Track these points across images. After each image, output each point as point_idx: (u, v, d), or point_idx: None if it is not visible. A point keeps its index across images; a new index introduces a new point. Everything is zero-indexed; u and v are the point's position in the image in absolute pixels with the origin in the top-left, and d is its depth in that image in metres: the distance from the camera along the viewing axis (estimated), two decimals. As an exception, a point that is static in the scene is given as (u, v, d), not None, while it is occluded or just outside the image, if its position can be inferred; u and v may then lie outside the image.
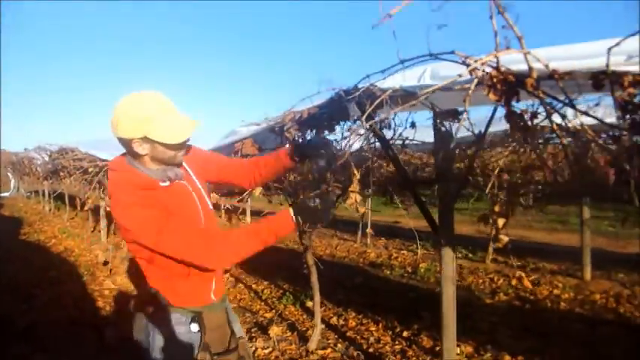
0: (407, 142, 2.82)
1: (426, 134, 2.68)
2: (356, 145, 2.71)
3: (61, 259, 8.20)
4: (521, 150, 3.27)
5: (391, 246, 8.47)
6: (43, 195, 16.82)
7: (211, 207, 1.89)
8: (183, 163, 1.81)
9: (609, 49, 1.41)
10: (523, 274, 5.20)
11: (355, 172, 2.61)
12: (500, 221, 2.22)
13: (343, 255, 8.17)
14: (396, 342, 4.09)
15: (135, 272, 6.85)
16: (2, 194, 22.25)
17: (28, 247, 9.26)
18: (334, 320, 4.74)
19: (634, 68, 1.49)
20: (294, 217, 1.72)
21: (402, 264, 7.17)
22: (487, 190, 2.34)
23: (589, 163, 1.81)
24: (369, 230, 5.12)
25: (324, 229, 10.59)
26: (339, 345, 4.06)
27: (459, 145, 2.72)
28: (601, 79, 1.55)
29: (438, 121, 2.47)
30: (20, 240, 10.18)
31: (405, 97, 2.10)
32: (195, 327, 1.74)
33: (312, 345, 3.90)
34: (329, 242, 9.30)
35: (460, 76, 1.81)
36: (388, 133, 2.63)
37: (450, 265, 2.77)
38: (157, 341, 1.72)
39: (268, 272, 6.44)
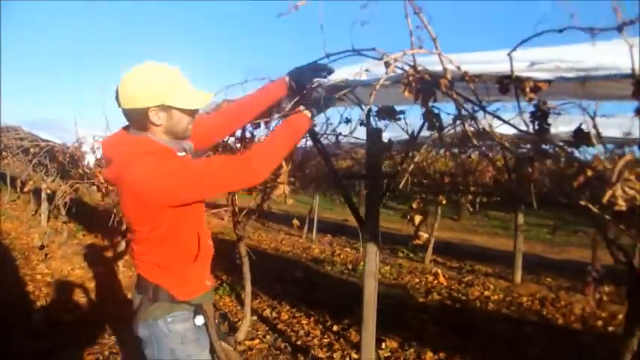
0: (341, 137, 2.86)
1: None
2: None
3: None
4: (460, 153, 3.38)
5: (336, 243, 8.55)
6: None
7: None
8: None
9: (509, 54, 1.48)
10: (439, 271, 5.34)
11: (284, 164, 2.63)
12: (417, 218, 2.28)
13: (287, 249, 8.18)
14: (325, 335, 4.14)
15: (91, 259, 6.72)
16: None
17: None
18: (267, 312, 4.75)
19: (537, 74, 1.56)
20: (307, 112, 1.80)
21: (343, 261, 7.25)
22: (400, 186, 2.39)
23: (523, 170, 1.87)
24: (294, 222, 5.11)
25: (272, 223, 10.61)
26: (267, 337, 4.09)
27: (392, 143, 2.77)
28: (506, 84, 1.63)
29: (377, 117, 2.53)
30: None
31: (331, 90, 2.14)
32: (200, 320, 1.72)
33: (241, 335, 3.90)
34: (275, 237, 9.30)
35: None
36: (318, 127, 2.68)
37: (373, 260, 2.84)
38: (165, 347, 1.68)
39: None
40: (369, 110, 2.74)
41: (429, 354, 3.81)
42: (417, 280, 6.26)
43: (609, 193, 1.28)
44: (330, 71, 1.97)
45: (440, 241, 9.12)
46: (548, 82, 1.53)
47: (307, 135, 2.60)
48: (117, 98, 1.58)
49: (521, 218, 6.22)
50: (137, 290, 1.76)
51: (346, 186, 2.77)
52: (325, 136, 2.70)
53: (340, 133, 2.79)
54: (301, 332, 4.22)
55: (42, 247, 7.09)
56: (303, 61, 2.05)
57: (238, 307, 4.88)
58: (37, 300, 4.98)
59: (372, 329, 2.90)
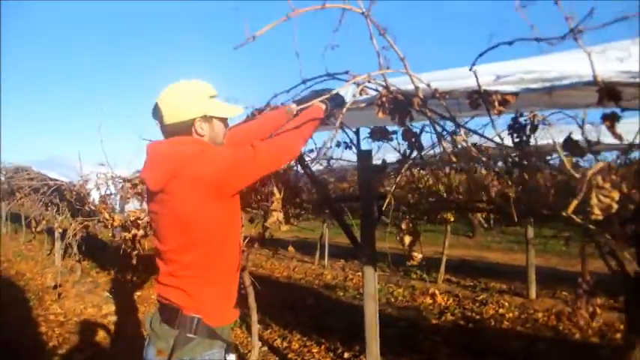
0: (332, 160, 2.88)
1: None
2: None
3: (9, 283, 7.97)
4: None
5: (348, 268, 8.49)
6: (0, 217, 16.35)
7: None
8: None
9: (471, 69, 1.50)
10: (437, 291, 5.20)
11: (275, 191, 2.65)
12: (407, 239, 2.27)
13: (300, 277, 8.15)
14: (334, 363, 4.10)
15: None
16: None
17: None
18: (278, 342, 4.72)
19: (504, 87, 1.57)
20: (322, 105, 1.88)
21: (356, 285, 7.19)
22: (383, 207, 2.39)
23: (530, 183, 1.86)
24: (290, 248, 5.10)
25: (285, 251, 10.58)
26: (277, 366, 4.05)
27: (385, 164, 2.78)
28: (475, 99, 1.64)
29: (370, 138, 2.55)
30: (-30, 264, 9.86)
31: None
32: (232, 358, 1.72)
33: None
34: (287, 264, 9.28)
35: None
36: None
37: (371, 282, 2.81)
38: None
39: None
40: (358, 132, 2.78)
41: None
42: (431, 301, 6.18)
43: (574, 203, 1.27)
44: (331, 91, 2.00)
45: (454, 259, 9.04)
46: (515, 94, 1.54)
47: (297, 162, 2.63)
48: (156, 115, 1.70)
49: (531, 232, 6.14)
50: (166, 322, 1.63)
51: (340, 209, 2.76)
52: (315, 160, 2.72)
53: (331, 157, 2.79)
54: (311, 360, 4.18)
55: (55, 287, 7.19)
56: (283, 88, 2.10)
57: (249, 339, 4.85)
58: (49, 340, 5.01)
59: (375, 352, 2.85)
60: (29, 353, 4.57)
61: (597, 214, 1.46)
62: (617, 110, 1.42)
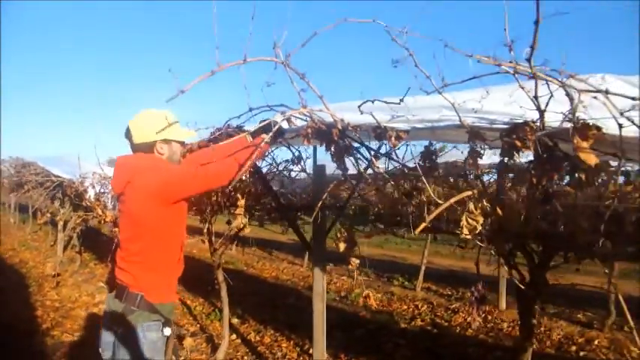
0: (293, 173, 3.23)
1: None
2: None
3: (12, 270, 8.41)
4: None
5: (335, 272, 8.81)
6: (9, 207, 16.90)
7: None
8: None
9: (358, 108, 1.84)
10: (370, 293, 5.48)
11: (239, 197, 3.01)
12: (341, 245, 2.60)
13: (287, 278, 8.49)
14: (300, 358, 4.42)
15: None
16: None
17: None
18: (252, 336, 5.06)
19: (398, 126, 1.91)
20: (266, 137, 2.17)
21: (338, 289, 7.52)
22: (316, 215, 2.72)
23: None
24: (274, 252, 5.42)
25: (276, 253, 10.96)
26: (246, 358, 4.40)
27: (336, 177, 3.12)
28: (378, 133, 1.98)
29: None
30: (-23, 251, 10.34)
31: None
32: (167, 331, 2.07)
33: (220, 355, 4.21)
34: (278, 266, 9.62)
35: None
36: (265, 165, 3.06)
37: (319, 282, 3.15)
38: (137, 351, 1.99)
39: (206, 290, 6.70)
40: (315, 149, 3.12)
41: (396, 374, 4.07)
42: (406, 307, 6.49)
43: (422, 225, 1.59)
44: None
45: (442, 268, 9.34)
46: (406, 131, 1.88)
47: (257, 175, 2.98)
48: (128, 136, 2.11)
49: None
50: (117, 298, 2.05)
51: (294, 217, 3.10)
52: (275, 173, 3.07)
53: (292, 170, 3.14)
54: (279, 354, 4.52)
55: (54, 276, 7.61)
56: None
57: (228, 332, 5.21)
58: (43, 323, 5.39)
59: (321, 347, 3.18)
60: (23, 334, 4.94)
61: (466, 233, 1.80)
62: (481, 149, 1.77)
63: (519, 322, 2.44)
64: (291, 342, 4.82)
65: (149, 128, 2.06)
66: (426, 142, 2.16)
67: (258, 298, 6.61)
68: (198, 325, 5.41)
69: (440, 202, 1.61)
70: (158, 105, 2.16)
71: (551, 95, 1.40)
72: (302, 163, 2.91)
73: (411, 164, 2.24)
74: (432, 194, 1.62)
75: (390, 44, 1.62)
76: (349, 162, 2.25)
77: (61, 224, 8.28)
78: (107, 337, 2.07)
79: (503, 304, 6.33)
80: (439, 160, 2.25)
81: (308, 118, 2.14)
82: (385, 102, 1.80)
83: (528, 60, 1.33)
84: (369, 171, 2.25)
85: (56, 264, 7.76)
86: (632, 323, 1.84)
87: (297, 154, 2.96)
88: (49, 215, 8.51)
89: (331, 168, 2.95)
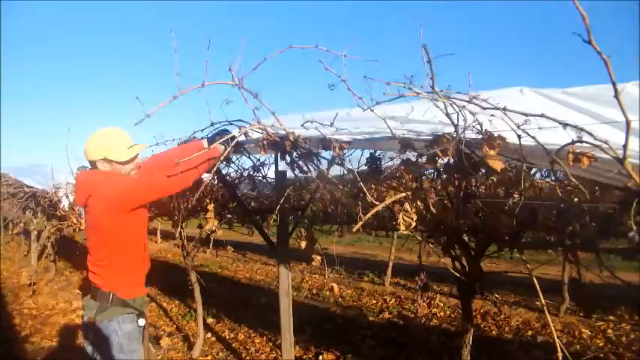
0: (257, 179, 3.46)
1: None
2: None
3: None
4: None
5: (307, 270, 9.05)
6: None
7: None
8: None
9: (301, 126, 2.09)
10: (334, 285, 5.57)
11: (209, 202, 3.23)
12: (303, 243, 2.85)
13: (261, 278, 8.72)
14: (272, 352, 4.66)
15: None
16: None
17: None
18: (226, 334, 5.28)
19: (341, 137, 2.16)
20: (220, 147, 2.37)
21: (310, 286, 7.76)
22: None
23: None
24: (229, 248, 5.65)
25: (250, 254, 11.16)
26: (220, 354, 4.61)
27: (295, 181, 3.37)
28: (324, 144, 2.24)
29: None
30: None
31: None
32: (142, 322, 2.31)
33: (196, 353, 4.42)
34: (252, 267, 9.83)
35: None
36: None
37: (285, 280, 3.40)
38: (116, 343, 2.21)
39: (181, 292, 6.88)
40: (277, 156, 3.36)
41: (361, 364, 4.34)
42: (375, 301, 6.78)
43: (359, 225, 1.85)
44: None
45: (411, 264, 9.65)
46: (349, 142, 2.14)
47: (221, 183, 3.21)
48: (84, 152, 2.27)
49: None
50: (92, 298, 2.26)
51: (257, 220, 3.33)
52: (240, 180, 3.29)
53: (255, 176, 3.37)
54: (252, 349, 4.74)
55: (30, 285, 7.67)
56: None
57: (202, 330, 5.41)
58: (22, 331, 5.51)
59: (289, 339, 3.43)
60: (3, 341, 5.05)
61: (402, 229, 2.06)
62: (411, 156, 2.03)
63: (460, 307, 2.72)
64: (264, 337, 5.05)
65: (92, 147, 2.23)
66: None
67: (233, 299, 6.83)
68: (174, 326, 5.60)
69: (376, 202, 1.86)
70: (130, 114, 2.35)
71: (458, 113, 1.67)
72: (262, 170, 3.14)
73: (360, 169, 2.52)
74: (369, 197, 1.87)
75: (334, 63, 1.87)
76: (308, 167, 2.50)
77: (34, 234, 8.34)
78: (90, 336, 2.28)
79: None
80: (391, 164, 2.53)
81: (263, 132, 2.38)
82: (320, 124, 2.05)
83: (432, 87, 1.59)
84: (323, 175, 2.50)
85: (31, 273, 7.83)
86: (544, 301, 2.09)
87: (258, 162, 3.19)
88: (22, 225, 8.55)
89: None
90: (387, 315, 6.06)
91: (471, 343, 2.76)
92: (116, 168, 2.25)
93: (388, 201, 1.95)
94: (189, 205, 3.42)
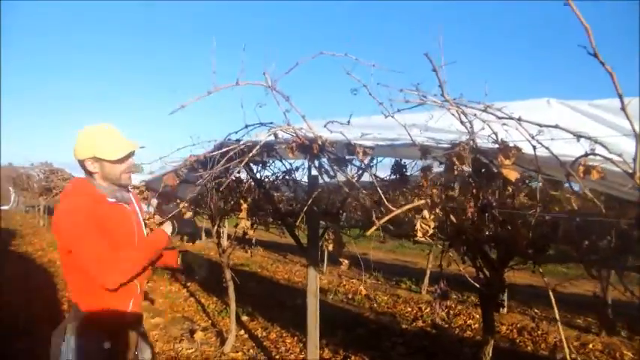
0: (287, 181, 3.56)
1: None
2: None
3: (42, 269, 8.92)
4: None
5: (345, 275, 9.09)
6: (39, 210, 17.62)
7: (145, 234, 2.23)
8: (132, 198, 2.22)
9: (324, 126, 2.16)
10: (362, 289, 5.53)
11: (242, 202, 3.35)
12: (330, 246, 2.92)
13: (299, 280, 8.81)
14: (302, 353, 4.73)
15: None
16: (2, 207, 23.09)
17: (14, 257, 10.01)
18: (259, 332, 5.41)
19: (365, 143, 2.22)
20: (169, 228, 2.26)
21: (347, 290, 7.81)
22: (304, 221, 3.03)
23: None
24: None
25: (290, 256, 11.31)
26: (251, 351, 4.73)
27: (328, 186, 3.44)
28: (350, 149, 2.30)
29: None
30: (10, 250, 10.93)
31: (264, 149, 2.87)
32: (107, 344, 1.99)
33: (227, 348, 4.56)
34: (291, 268, 9.96)
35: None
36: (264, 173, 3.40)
37: (313, 282, 3.47)
38: (69, 355, 1.95)
39: (219, 289, 7.07)
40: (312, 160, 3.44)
41: (389, 369, 4.36)
42: (410, 309, 6.75)
43: (373, 228, 1.90)
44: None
45: (450, 273, 9.54)
46: (372, 148, 2.20)
47: (256, 185, 3.32)
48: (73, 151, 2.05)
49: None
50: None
51: (290, 222, 3.42)
52: (274, 182, 3.40)
53: (289, 179, 3.47)
54: (282, 349, 4.84)
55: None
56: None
57: (235, 327, 5.56)
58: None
59: (315, 339, 3.50)
60: (52, 325, 5.35)
61: (420, 236, 2.10)
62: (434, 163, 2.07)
63: (482, 318, 2.72)
64: (295, 338, 5.14)
65: (80, 145, 2.01)
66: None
67: (269, 298, 6.96)
68: (209, 321, 5.78)
69: (392, 208, 1.91)
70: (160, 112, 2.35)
71: (471, 122, 1.70)
72: (295, 174, 3.23)
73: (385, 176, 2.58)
74: (386, 202, 1.92)
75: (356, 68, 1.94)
76: (335, 173, 2.57)
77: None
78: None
79: (505, 308, 6.54)
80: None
81: (293, 134, 2.47)
82: (340, 122, 2.11)
83: (442, 95, 1.63)
84: (349, 181, 2.56)
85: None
86: (558, 315, 2.07)
87: (292, 166, 3.29)
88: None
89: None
90: (420, 323, 6.02)
91: (491, 354, 2.74)
92: (106, 169, 2.03)
93: (405, 208, 1.99)
94: (225, 205, 3.54)
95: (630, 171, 1.41)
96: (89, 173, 2.07)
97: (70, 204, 1.95)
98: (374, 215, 2.02)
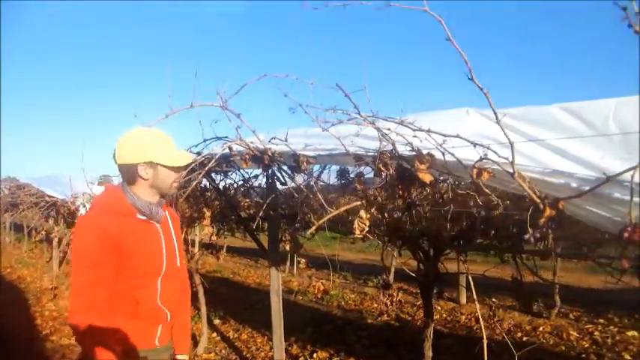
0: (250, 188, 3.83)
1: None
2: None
3: (11, 285, 8.95)
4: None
5: (315, 276, 9.38)
6: (4, 227, 17.39)
7: (178, 263, 1.99)
8: (167, 216, 1.96)
9: (268, 141, 2.45)
10: (320, 284, 5.51)
11: (206, 210, 3.60)
12: (287, 246, 3.21)
13: (269, 283, 9.04)
14: (271, 351, 4.99)
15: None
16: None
17: (-19, 276, 10.00)
18: (231, 334, 5.65)
19: (307, 153, 2.51)
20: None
21: (317, 291, 8.08)
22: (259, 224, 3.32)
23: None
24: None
25: (262, 261, 11.54)
26: (223, 351, 4.98)
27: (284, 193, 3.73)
28: (295, 159, 2.59)
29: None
30: (-24, 270, 10.88)
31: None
32: None
33: (200, 350, 4.80)
34: (262, 272, 10.21)
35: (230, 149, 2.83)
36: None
37: (275, 281, 3.75)
38: None
39: (193, 296, 7.27)
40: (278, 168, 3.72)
41: (352, 360, 4.66)
42: (376, 305, 7.07)
43: (313, 229, 2.19)
44: None
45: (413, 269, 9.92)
46: (315, 157, 2.49)
47: (219, 193, 3.58)
48: (114, 156, 1.81)
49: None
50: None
51: (251, 227, 3.69)
52: (235, 190, 3.67)
53: (248, 187, 3.74)
54: (253, 348, 5.10)
55: (51, 289, 8.16)
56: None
57: (208, 331, 5.79)
58: (43, 330, 5.95)
59: (280, 334, 3.77)
60: (25, 339, 5.50)
61: (357, 233, 2.40)
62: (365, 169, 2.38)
63: (423, 305, 3.04)
64: (265, 337, 5.40)
65: (131, 147, 1.78)
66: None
67: (240, 302, 7.21)
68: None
69: (330, 210, 2.21)
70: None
71: (384, 136, 2.01)
72: (253, 182, 3.51)
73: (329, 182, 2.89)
74: (325, 205, 2.22)
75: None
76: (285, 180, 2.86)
77: (55, 241, 8.83)
78: None
79: (463, 299, 6.93)
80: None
81: (246, 147, 2.75)
82: (279, 139, 2.41)
83: (358, 111, 1.94)
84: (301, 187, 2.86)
85: (53, 278, 8.31)
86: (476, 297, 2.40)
87: (250, 175, 3.57)
88: (43, 233, 9.06)
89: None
90: (385, 318, 6.35)
91: (431, 336, 3.07)
92: (161, 176, 1.83)
93: (342, 209, 2.29)
94: (190, 214, 3.79)
95: (512, 171, 1.73)
96: (131, 181, 1.83)
97: (87, 219, 1.75)
98: (312, 217, 2.33)
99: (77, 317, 1.66)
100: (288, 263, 9.91)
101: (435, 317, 6.34)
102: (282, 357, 3.85)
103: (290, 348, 5.03)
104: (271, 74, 2.49)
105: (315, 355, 4.78)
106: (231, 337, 5.55)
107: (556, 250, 2.25)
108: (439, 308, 6.70)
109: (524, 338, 5.47)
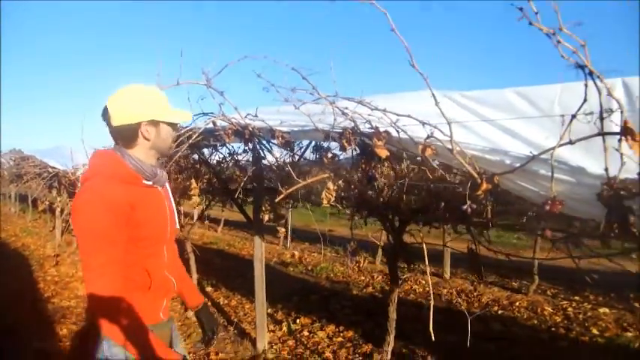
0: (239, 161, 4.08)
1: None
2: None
3: (16, 253, 9.30)
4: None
5: (308, 250, 9.69)
6: (10, 197, 17.76)
7: (177, 226, 1.88)
8: (166, 184, 1.83)
9: (243, 116, 2.68)
10: (296, 252, 5.57)
11: (193, 182, 3.85)
12: (266, 217, 3.47)
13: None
14: (253, 311, 5.30)
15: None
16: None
17: (-13, 243, 10.37)
18: (221, 300, 5.97)
19: (282, 129, 2.75)
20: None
21: (307, 263, 8.41)
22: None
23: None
24: (206, 222, 6.29)
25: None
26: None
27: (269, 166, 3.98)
28: (272, 133, 2.82)
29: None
30: (-19, 238, 11.25)
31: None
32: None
33: (190, 313, 5.10)
34: (257, 245, 10.52)
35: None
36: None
37: (259, 249, 4.02)
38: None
39: (185, 265, 7.58)
40: (258, 142, 3.96)
41: (331, 326, 4.95)
42: (363, 277, 7.37)
43: (281, 196, 2.43)
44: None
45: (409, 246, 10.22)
46: (288, 133, 2.73)
47: (205, 163, 3.83)
48: (105, 117, 1.64)
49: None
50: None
51: (237, 198, 3.95)
52: (222, 162, 3.91)
53: (235, 160, 3.98)
54: (241, 313, 5.44)
55: (54, 256, 8.50)
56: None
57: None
58: (45, 293, 6.28)
59: (262, 298, 4.05)
60: (29, 301, 5.83)
61: (325, 203, 2.65)
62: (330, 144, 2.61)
63: (388, 273, 3.30)
64: (254, 304, 5.68)
65: (132, 106, 1.62)
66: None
67: (232, 271, 7.52)
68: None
69: (299, 181, 2.46)
70: None
71: (348, 114, 2.24)
72: (236, 157, 3.75)
73: (307, 156, 3.13)
74: (295, 177, 2.47)
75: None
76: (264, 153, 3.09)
77: (58, 211, 9.14)
78: None
79: (447, 274, 7.22)
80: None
81: (229, 122, 2.99)
82: (252, 115, 2.64)
83: (317, 92, 2.17)
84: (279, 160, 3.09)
85: (55, 246, 8.63)
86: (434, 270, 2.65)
87: (238, 149, 3.80)
88: (47, 203, 9.37)
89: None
90: (370, 290, 6.65)
91: (396, 301, 3.34)
92: (163, 135, 1.70)
93: (310, 180, 2.54)
94: (182, 183, 4.04)
95: (451, 149, 1.97)
96: (130, 144, 1.68)
97: (93, 192, 1.53)
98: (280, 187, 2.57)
99: (102, 303, 1.49)
100: (282, 237, 10.21)
101: (417, 290, 6.67)
102: (263, 320, 4.14)
103: (275, 314, 5.34)
104: (251, 56, 2.73)
105: (298, 320, 5.08)
106: (221, 303, 5.86)
107: (494, 221, 2.50)
108: (422, 282, 6.99)
109: (500, 312, 5.75)
